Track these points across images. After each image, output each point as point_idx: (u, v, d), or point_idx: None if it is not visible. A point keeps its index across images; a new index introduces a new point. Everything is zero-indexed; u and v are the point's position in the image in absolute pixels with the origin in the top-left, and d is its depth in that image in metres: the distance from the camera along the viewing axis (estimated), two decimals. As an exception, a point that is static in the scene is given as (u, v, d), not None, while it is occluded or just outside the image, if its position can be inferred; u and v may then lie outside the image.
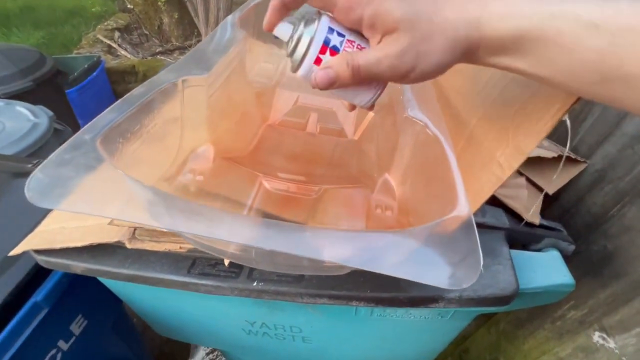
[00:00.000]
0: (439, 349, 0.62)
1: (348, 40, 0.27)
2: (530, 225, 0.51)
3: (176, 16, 2.81)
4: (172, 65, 0.38)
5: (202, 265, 0.46)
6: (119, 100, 0.32)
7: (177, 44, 2.88)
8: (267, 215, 0.41)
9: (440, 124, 0.36)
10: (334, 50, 0.27)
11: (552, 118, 0.29)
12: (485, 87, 0.37)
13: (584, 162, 0.66)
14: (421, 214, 0.37)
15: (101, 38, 2.74)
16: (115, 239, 0.44)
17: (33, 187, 0.23)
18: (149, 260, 0.47)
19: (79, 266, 0.47)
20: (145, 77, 2.40)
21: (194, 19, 2.65)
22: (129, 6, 2.82)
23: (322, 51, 0.27)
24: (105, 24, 3.00)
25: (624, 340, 0.54)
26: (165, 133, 0.37)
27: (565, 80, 0.23)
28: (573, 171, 0.65)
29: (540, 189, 0.58)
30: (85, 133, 0.28)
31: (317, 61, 0.28)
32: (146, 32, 2.90)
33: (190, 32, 2.91)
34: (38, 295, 0.57)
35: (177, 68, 0.38)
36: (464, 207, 0.26)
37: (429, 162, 0.36)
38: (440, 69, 0.26)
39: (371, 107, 0.31)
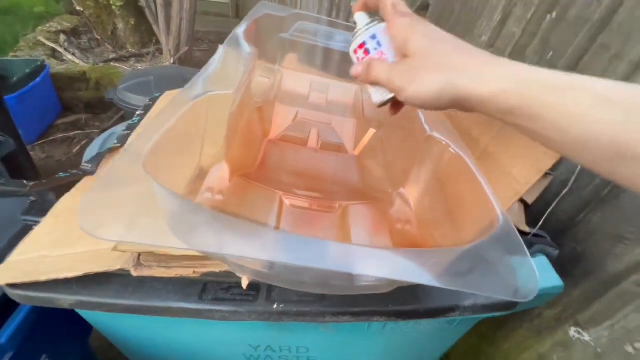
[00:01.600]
0: (438, 356, 0.64)
1: (380, 51, 0.34)
2: (521, 234, 0.56)
3: (132, 22, 2.66)
4: (191, 81, 0.36)
5: (214, 289, 0.43)
6: (156, 118, 0.29)
7: (134, 51, 2.72)
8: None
9: (459, 142, 0.39)
10: (367, 52, 0.34)
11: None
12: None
13: (551, 174, 0.74)
14: (443, 228, 0.39)
15: (43, 40, 2.48)
16: (117, 267, 0.40)
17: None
18: (154, 287, 0.43)
19: (68, 300, 0.42)
20: (98, 85, 2.21)
21: (153, 26, 2.53)
22: (77, 8, 2.61)
23: (360, 46, 0.35)
24: (48, 25, 2.73)
25: (597, 333, 0.61)
26: (187, 151, 0.35)
27: (579, 150, 0.23)
28: (544, 183, 0.72)
29: (522, 201, 0.64)
30: (127, 155, 0.25)
31: (354, 52, 0.36)
32: (98, 37, 2.69)
33: (148, 39, 2.77)
34: (1, 337, 0.49)
35: (198, 84, 0.36)
36: (507, 221, 0.28)
37: (452, 180, 0.38)
38: (426, 101, 0.29)
39: (380, 106, 0.36)
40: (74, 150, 1.91)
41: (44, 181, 0.50)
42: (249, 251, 0.23)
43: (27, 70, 1.80)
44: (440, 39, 0.30)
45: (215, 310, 0.42)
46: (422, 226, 0.42)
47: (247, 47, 0.45)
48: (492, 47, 0.89)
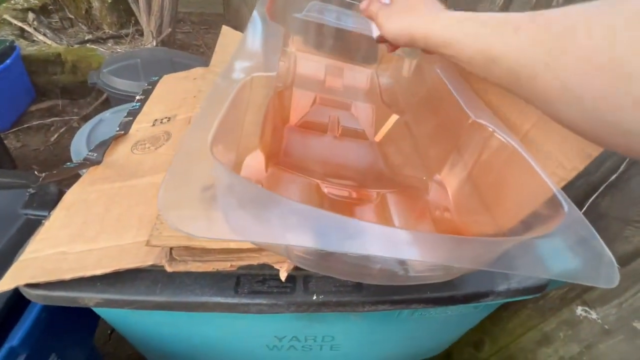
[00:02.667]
0: (457, 338, 0.65)
1: None
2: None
3: (109, 1, 2.48)
4: (231, 61, 0.33)
5: (249, 282, 0.42)
6: (206, 101, 0.27)
7: (111, 32, 2.56)
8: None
9: (505, 129, 0.38)
10: None
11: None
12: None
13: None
14: (484, 216, 0.38)
15: (9, 19, 2.29)
16: (150, 263, 0.37)
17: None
18: (184, 282, 0.41)
19: (94, 298, 0.39)
20: (75, 68, 2.07)
21: (132, 5, 2.37)
22: (46, -17, 2.41)
23: None
24: (13, 2, 2.51)
25: (605, 311, 0.64)
26: (231, 139, 0.32)
27: (471, 65, 0.30)
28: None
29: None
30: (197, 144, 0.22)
31: None
32: (70, 16, 2.50)
33: (126, 19, 2.60)
34: (14, 339, 0.46)
35: (238, 65, 0.33)
36: (573, 209, 0.28)
37: (498, 166, 0.37)
38: (394, 38, 0.39)
39: (377, 41, 0.44)
40: (52, 139, 1.80)
41: (54, 172, 0.46)
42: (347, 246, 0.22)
43: (-5, 51, 1.65)
44: None
45: (252, 303, 0.40)
46: (460, 213, 0.42)
47: (275, 26, 0.42)
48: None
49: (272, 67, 0.34)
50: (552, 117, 0.25)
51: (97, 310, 0.49)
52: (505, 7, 0.84)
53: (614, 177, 0.65)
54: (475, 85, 0.48)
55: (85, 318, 0.66)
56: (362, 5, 0.44)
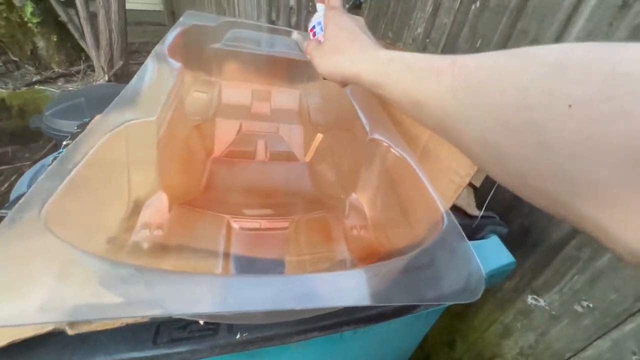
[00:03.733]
0: (413, 347, 0.65)
1: (322, 35, 0.43)
2: (471, 217, 0.58)
3: (55, 39, 2.42)
4: (106, 110, 0.32)
5: (169, 330, 0.40)
6: (57, 161, 0.26)
7: (61, 70, 2.49)
8: (244, 259, 0.38)
9: (401, 143, 0.39)
10: (314, 34, 0.45)
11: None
12: (431, 106, 0.42)
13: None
14: (398, 229, 0.39)
15: (-52, 68, 2.19)
16: (49, 328, 0.35)
17: None
18: (98, 341, 0.39)
19: (-5, 374, 0.36)
20: (22, 112, 1.99)
21: (80, 41, 2.33)
22: (-15, 29, 2.32)
23: (311, 30, 0.45)
24: (-48, 50, 2.41)
25: (550, 297, 0.66)
26: (110, 187, 0.31)
27: (400, 107, 0.29)
28: (488, 164, 0.76)
29: (470, 185, 0.67)
30: (22, 211, 0.21)
31: (310, 31, 0.46)
32: (15, 59, 2.42)
33: (76, 56, 2.54)
34: None
35: (115, 111, 0.32)
36: (450, 222, 0.29)
37: (398, 181, 0.38)
38: (329, 76, 0.38)
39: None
40: (3, 188, 1.71)
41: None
42: (181, 307, 0.21)
43: None
44: (343, 28, 0.38)
45: (173, 353, 0.38)
46: (377, 229, 0.42)
47: (172, 64, 0.41)
48: (427, 38, 0.92)
49: (152, 110, 0.34)
50: (481, 168, 0.23)
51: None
52: (434, 14, 0.88)
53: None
54: (383, 101, 0.49)
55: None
56: (303, 47, 0.44)
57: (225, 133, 0.59)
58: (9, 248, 0.20)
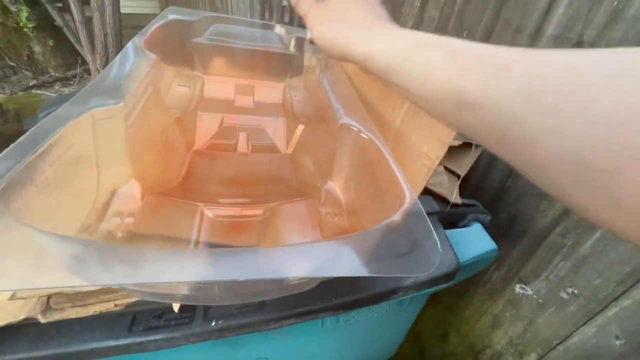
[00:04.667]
0: (402, 337, 0.65)
1: None
2: (454, 205, 0.58)
3: (51, 43, 2.44)
4: (73, 98, 0.32)
5: (144, 319, 0.40)
6: (13, 145, 0.26)
7: (58, 74, 2.50)
8: (215, 246, 0.38)
9: (372, 127, 0.39)
10: None
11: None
12: (403, 90, 0.42)
13: (479, 146, 0.78)
14: (370, 214, 0.39)
15: (-55, 74, 2.21)
16: (21, 317, 0.35)
17: None
18: (73, 330, 0.39)
19: (-31, 364, 0.36)
20: (18, 117, 2.01)
21: (75, 45, 2.34)
22: (-18, 34, 2.35)
23: None
24: (-50, 57, 2.44)
25: (537, 285, 0.66)
26: (77, 175, 0.31)
27: (431, 102, 0.23)
28: (474, 154, 0.76)
29: (454, 174, 0.67)
30: None
31: None
32: (12, 64, 2.44)
33: (72, 60, 2.56)
34: None
35: (82, 100, 0.33)
36: (411, 199, 0.29)
37: (369, 164, 0.38)
38: (323, 46, 0.32)
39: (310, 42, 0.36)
40: (0, 192, 1.72)
41: None
42: (138, 276, 0.21)
43: None
44: None
45: (148, 341, 0.39)
46: (351, 215, 0.42)
47: (147, 54, 0.42)
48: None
49: (118, 98, 0.34)
50: (560, 194, 0.17)
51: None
52: (423, 8, 0.88)
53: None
54: (359, 87, 0.50)
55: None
56: (293, 1, 0.37)
57: (206, 126, 0.59)
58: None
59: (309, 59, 0.70)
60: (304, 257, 0.25)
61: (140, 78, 0.39)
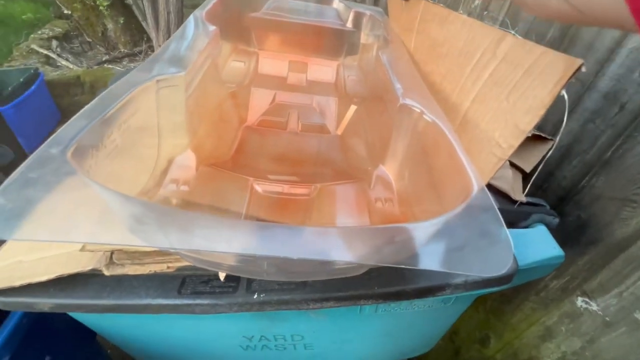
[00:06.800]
0: (439, 335, 0.62)
1: None
2: (516, 203, 0.52)
3: (122, 21, 2.62)
4: (140, 65, 0.34)
5: (193, 283, 0.42)
6: (87, 107, 0.28)
7: (126, 50, 2.69)
8: (263, 221, 0.39)
9: (436, 109, 0.36)
10: None
11: (549, 94, 0.29)
12: (474, 70, 0.37)
13: (551, 139, 0.70)
14: (425, 203, 0.36)
15: (36, 48, 2.49)
16: (89, 267, 0.39)
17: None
18: (131, 285, 0.42)
19: (47, 303, 0.41)
20: (93, 88, 2.21)
21: (142, 23, 2.49)
22: (65, 12, 2.59)
23: None
24: (40, 32, 2.73)
25: (605, 301, 0.58)
26: (142, 141, 0.33)
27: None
28: (543, 149, 0.68)
29: (518, 168, 0.60)
30: (51, 146, 0.23)
31: None
32: (89, 40, 2.68)
33: (139, 37, 2.73)
34: (-6, 344, 0.50)
35: (147, 68, 0.34)
36: (480, 190, 0.26)
37: (429, 150, 0.35)
38: None
39: None
40: (76, 155, 1.93)
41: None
42: (193, 243, 0.21)
43: (22, 79, 1.80)
44: None
45: (195, 304, 0.41)
46: (403, 203, 0.39)
47: (207, 27, 0.42)
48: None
49: (181, 67, 0.34)
50: None
51: (72, 315, 0.51)
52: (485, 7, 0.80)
53: (608, 153, 0.59)
54: (423, 66, 0.46)
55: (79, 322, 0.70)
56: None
57: (259, 102, 0.59)
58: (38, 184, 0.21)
59: (366, 37, 0.67)
60: (355, 241, 0.24)
61: (200, 49, 0.39)
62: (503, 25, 0.77)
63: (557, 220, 0.54)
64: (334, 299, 0.41)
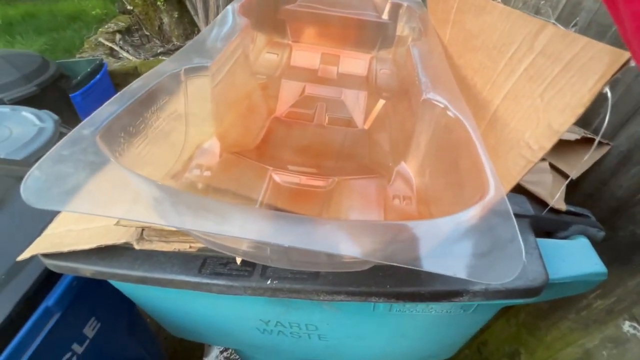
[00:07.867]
0: (460, 343, 0.59)
1: None
2: (555, 211, 0.48)
3: (176, 15, 2.79)
4: (172, 56, 0.36)
5: (213, 264, 0.45)
6: (119, 93, 0.30)
7: (178, 43, 2.87)
8: (278, 210, 0.40)
9: (461, 104, 0.34)
10: None
11: (590, 91, 0.26)
12: (508, 64, 0.35)
13: (608, 144, 0.62)
14: (444, 204, 0.34)
15: (103, 41, 2.74)
16: (123, 240, 0.43)
17: (30, 186, 0.22)
18: (159, 260, 0.45)
19: (88, 269, 0.46)
20: (148, 78, 2.39)
21: (194, 17, 2.63)
22: (128, 7, 2.81)
23: None
24: (107, 26, 3.00)
25: (658, 329, 0.52)
26: (169, 127, 0.35)
27: None
28: (596, 154, 0.61)
29: (562, 174, 0.55)
30: (84, 128, 0.26)
31: None
32: (147, 33, 2.89)
33: (190, 30, 2.90)
34: (49, 300, 0.57)
35: (178, 58, 0.36)
36: (497, 192, 0.24)
37: (451, 147, 0.33)
38: None
39: None
40: (130, 140, 2.11)
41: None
42: (201, 224, 0.23)
43: (89, 69, 2.00)
44: None
45: (212, 284, 0.43)
46: (421, 202, 0.38)
47: (232, 20, 0.43)
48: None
49: (208, 58, 0.36)
50: None
51: (112, 283, 0.57)
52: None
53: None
54: (456, 59, 0.43)
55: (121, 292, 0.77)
56: None
57: (288, 94, 0.60)
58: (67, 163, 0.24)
59: (401, 29, 0.64)
60: (359, 235, 0.24)
61: (230, 40, 0.41)
62: (561, 16, 0.70)
63: (602, 233, 0.48)
64: (344, 292, 0.41)
